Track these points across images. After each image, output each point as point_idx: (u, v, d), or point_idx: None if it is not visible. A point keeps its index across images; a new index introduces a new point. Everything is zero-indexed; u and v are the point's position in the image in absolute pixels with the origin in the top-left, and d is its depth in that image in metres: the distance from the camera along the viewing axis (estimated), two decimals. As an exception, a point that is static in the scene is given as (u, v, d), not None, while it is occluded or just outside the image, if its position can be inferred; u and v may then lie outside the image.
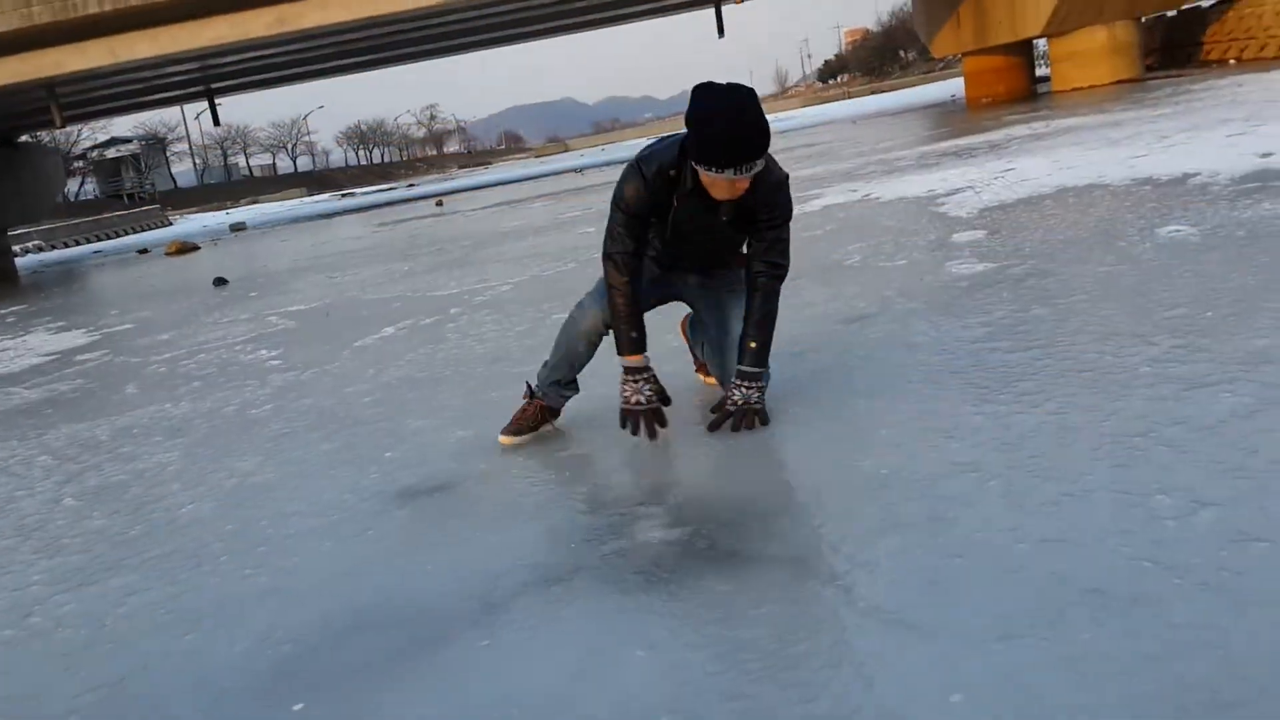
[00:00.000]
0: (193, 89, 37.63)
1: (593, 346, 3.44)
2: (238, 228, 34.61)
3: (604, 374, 3.52)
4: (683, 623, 2.07)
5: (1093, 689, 1.61)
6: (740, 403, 3.22)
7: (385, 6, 25.59)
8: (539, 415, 3.55)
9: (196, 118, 72.19)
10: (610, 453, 3.28)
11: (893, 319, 4.36)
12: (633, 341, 3.23)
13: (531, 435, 3.54)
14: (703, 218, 3.16)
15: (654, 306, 3.55)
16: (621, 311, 3.22)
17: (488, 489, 3.11)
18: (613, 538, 2.55)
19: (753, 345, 3.20)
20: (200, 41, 25.73)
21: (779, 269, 3.21)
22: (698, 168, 2.98)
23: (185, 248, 24.38)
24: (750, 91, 2.98)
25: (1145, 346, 3.30)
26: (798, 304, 4.98)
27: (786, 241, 3.23)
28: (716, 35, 37.18)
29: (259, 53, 30.49)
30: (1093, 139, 11.00)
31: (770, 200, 3.12)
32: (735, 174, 2.93)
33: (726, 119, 2.89)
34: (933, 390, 3.27)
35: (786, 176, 3.18)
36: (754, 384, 3.22)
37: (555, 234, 11.87)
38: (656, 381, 3.28)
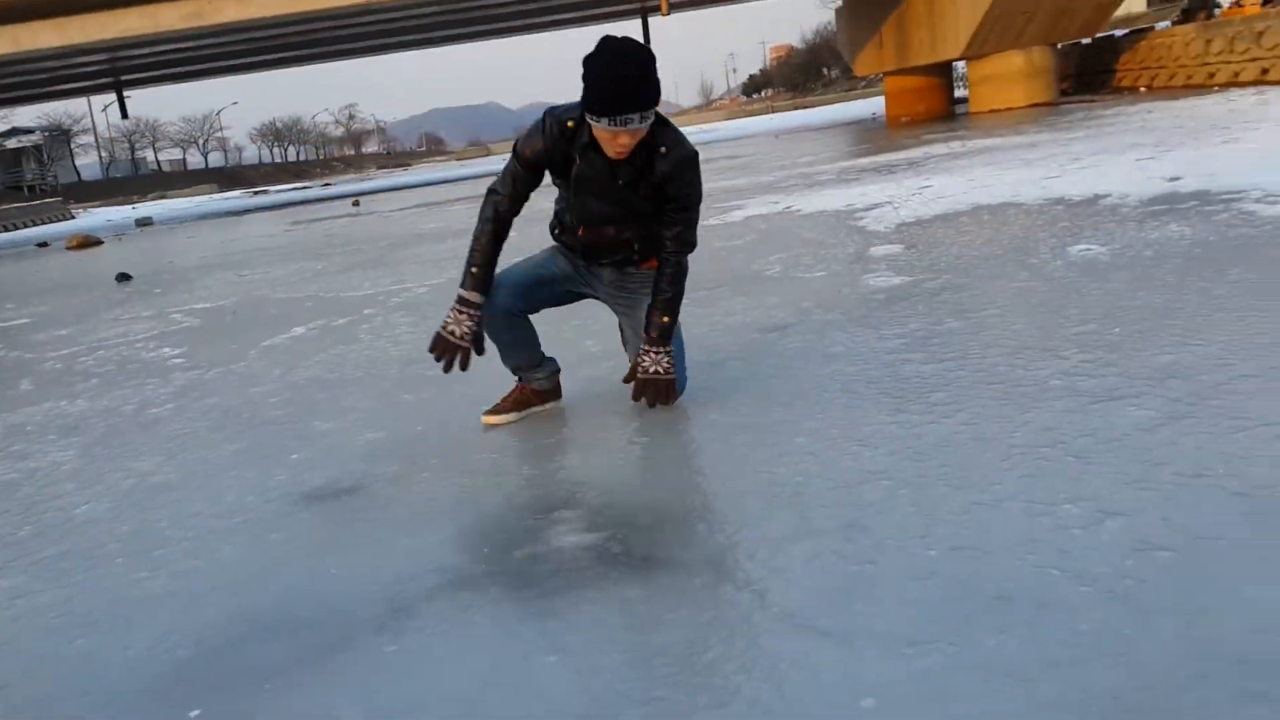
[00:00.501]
0: (101, 80, 36.68)
1: (511, 327, 3.46)
2: (144, 223, 33.66)
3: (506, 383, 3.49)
4: (595, 628, 2.05)
5: (1000, 695, 1.64)
6: (650, 369, 3.31)
7: (306, 4, 25.22)
8: (526, 397, 3.63)
9: (104, 109, 70.28)
10: (525, 457, 3.26)
11: (811, 329, 4.40)
12: (474, 277, 3.28)
13: (517, 415, 3.61)
14: (603, 180, 3.18)
15: (567, 302, 3.57)
16: (478, 246, 3.30)
17: (399, 492, 3.05)
18: (527, 542, 2.53)
19: (664, 320, 3.29)
20: (110, 33, 25.07)
21: (689, 246, 3.29)
22: (587, 117, 3.03)
23: (88, 242, 23.62)
24: (640, 48, 3.00)
25: (1055, 360, 3.38)
26: (717, 312, 5.01)
27: (695, 226, 3.30)
28: (642, 44, 37.32)
29: (172, 46, 29.87)
30: (1008, 159, 11.29)
31: (679, 175, 3.15)
32: (611, 125, 2.96)
33: (606, 65, 2.94)
34: (849, 400, 3.31)
35: (696, 154, 3.21)
36: (662, 349, 3.31)
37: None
38: (480, 328, 3.32)
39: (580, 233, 3.36)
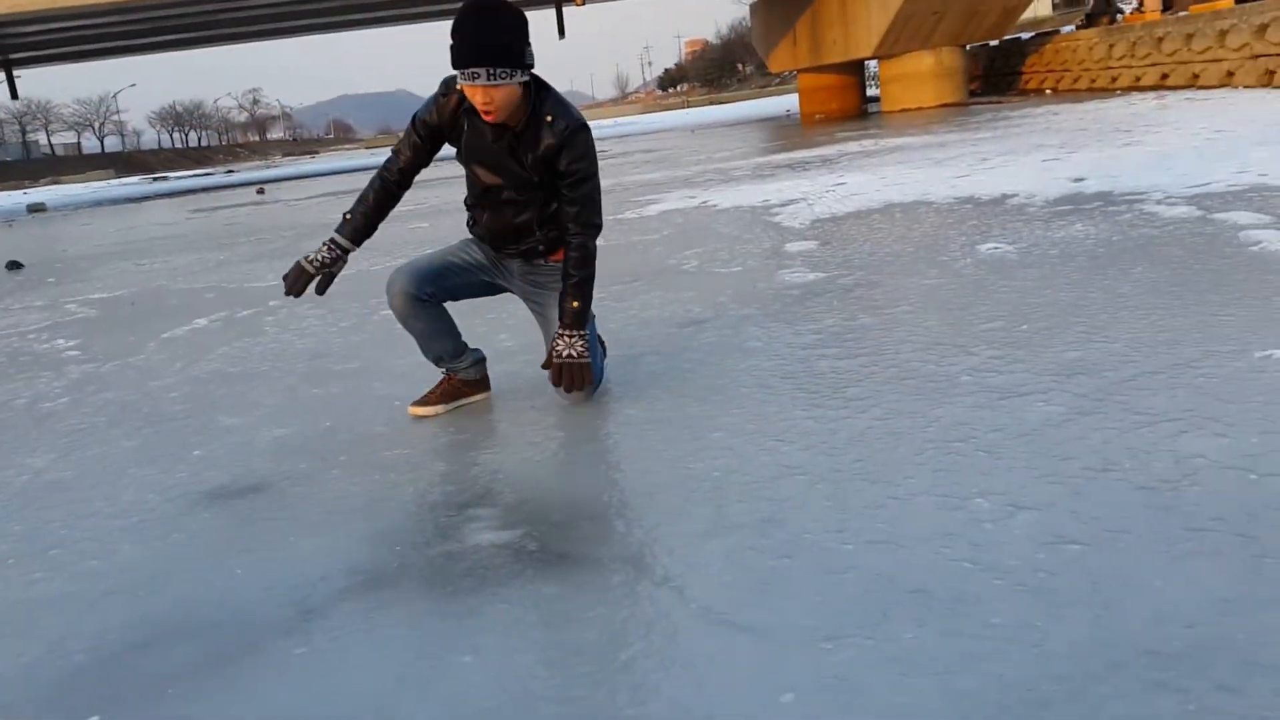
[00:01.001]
0: (-13, 57, 35.19)
1: (420, 314, 3.45)
2: (36, 209, 32.44)
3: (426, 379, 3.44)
4: (511, 627, 2.03)
5: (916, 688, 1.66)
6: (564, 353, 3.29)
7: (207, -18, 24.56)
8: (454, 389, 3.60)
9: (-9, 89, 67.41)
10: (439, 453, 3.21)
11: (727, 324, 4.43)
12: (348, 224, 3.40)
13: (445, 407, 3.58)
14: (486, 146, 3.20)
15: (485, 294, 3.55)
16: (361, 200, 3.40)
17: (306, 490, 2.99)
18: (440, 540, 2.49)
19: (574, 305, 3.28)
20: (-2, 8, 24.09)
21: (592, 228, 3.27)
22: None
23: (-26, 228, 22.70)
24: (500, 6, 3.02)
25: (965, 356, 3.45)
26: (634, 307, 5.01)
27: (596, 200, 3.27)
28: (557, 36, 37.23)
29: (64, 24, 28.78)
30: (918, 158, 11.51)
31: (568, 147, 3.14)
32: (462, 79, 3.01)
33: (459, 19, 2.98)
34: (764, 395, 3.33)
35: (585, 124, 3.20)
36: (576, 333, 3.29)
37: (385, 227, 11.56)
38: (332, 270, 3.40)
39: (485, 219, 3.38)
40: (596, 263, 3.34)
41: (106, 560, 2.63)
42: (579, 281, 3.28)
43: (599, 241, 3.35)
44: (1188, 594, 1.83)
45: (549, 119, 3.12)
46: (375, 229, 3.46)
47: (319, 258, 3.38)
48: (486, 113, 3.06)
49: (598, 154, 3.28)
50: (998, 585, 1.93)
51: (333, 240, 3.38)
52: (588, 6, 33.65)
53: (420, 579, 2.30)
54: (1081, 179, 7.58)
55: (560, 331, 3.31)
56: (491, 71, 2.96)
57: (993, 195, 7.47)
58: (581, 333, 3.31)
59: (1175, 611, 1.78)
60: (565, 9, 36.11)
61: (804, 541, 2.23)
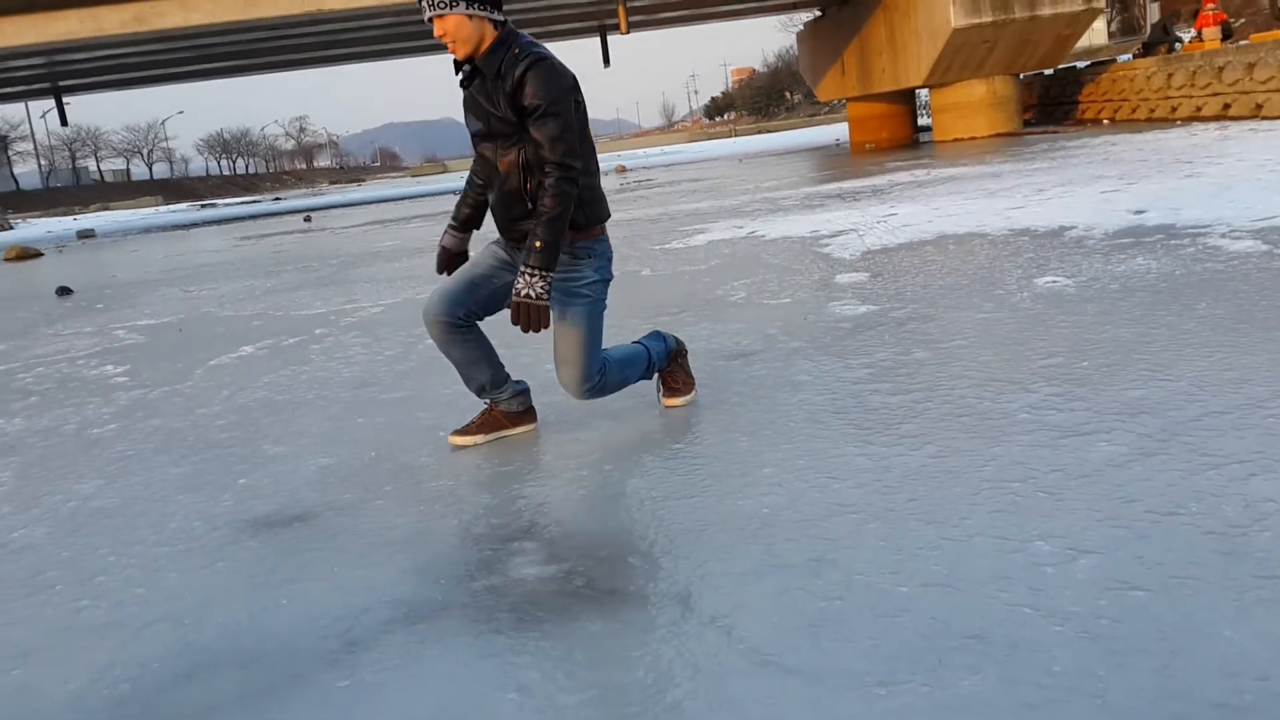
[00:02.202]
0: (39, 85, 36.08)
1: (457, 342, 3.48)
2: (86, 235, 33.16)
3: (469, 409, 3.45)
4: (556, 664, 2.03)
5: (974, 736, 1.63)
6: (523, 292, 3.20)
7: (252, 12, 24.98)
8: (495, 420, 3.65)
9: (43, 116, 69.09)
10: (483, 485, 3.22)
11: (776, 357, 4.42)
12: (454, 216, 3.65)
13: (485, 438, 3.62)
14: (472, 98, 3.35)
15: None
16: (461, 196, 3.64)
17: (351, 520, 3.01)
18: (484, 574, 2.50)
19: (538, 245, 3.19)
20: (48, 35, 24.65)
21: (562, 167, 3.19)
22: None
23: (26, 254, 23.19)
24: None
25: (1023, 393, 3.41)
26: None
27: (563, 138, 3.19)
28: (602, 65, 37.54)
29: (114, 51, 29.43)
30: (972, 189, 11.44)
31: (529, 80, 3.18)
32: (423, 9, 3.19)
33: None
34: (815, 430, 3.31)
35: (548, 58, 3.24)
36: (537, 271, 3.20)
37: (431, 256, 11.67)
38: (462, 246, 3.65)
39: (492, 200, 3.44)
40: (568, 210, 3.23)
41: (152, 588, 2.66)
42: (548, 220, 3.19)
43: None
44: (1259, 644, 1.79)
45: (515, 52, 3.21)
46: (478, 220, 3.65)
47: (452, 242, 3.64)
48: (451, 50, 3.24)
49: (572, 97, 3.23)
50: (1058, 632, 1.90)
51: (449, 225, 3.66)
52: (633, 34, 33.87)
53: (464, 613, 2.30)
54: (1142, 211, 7.49)
55: (523, 269, 3.22)
56: (432, 3, 3.16)
57: (1050, 227, 7.41)
58: (544, 272, 3.20)
59: (1245, 663, 1.74)
60: (610, 37, 36.39)
61: (856, 583, 2.20)
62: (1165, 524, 2.30)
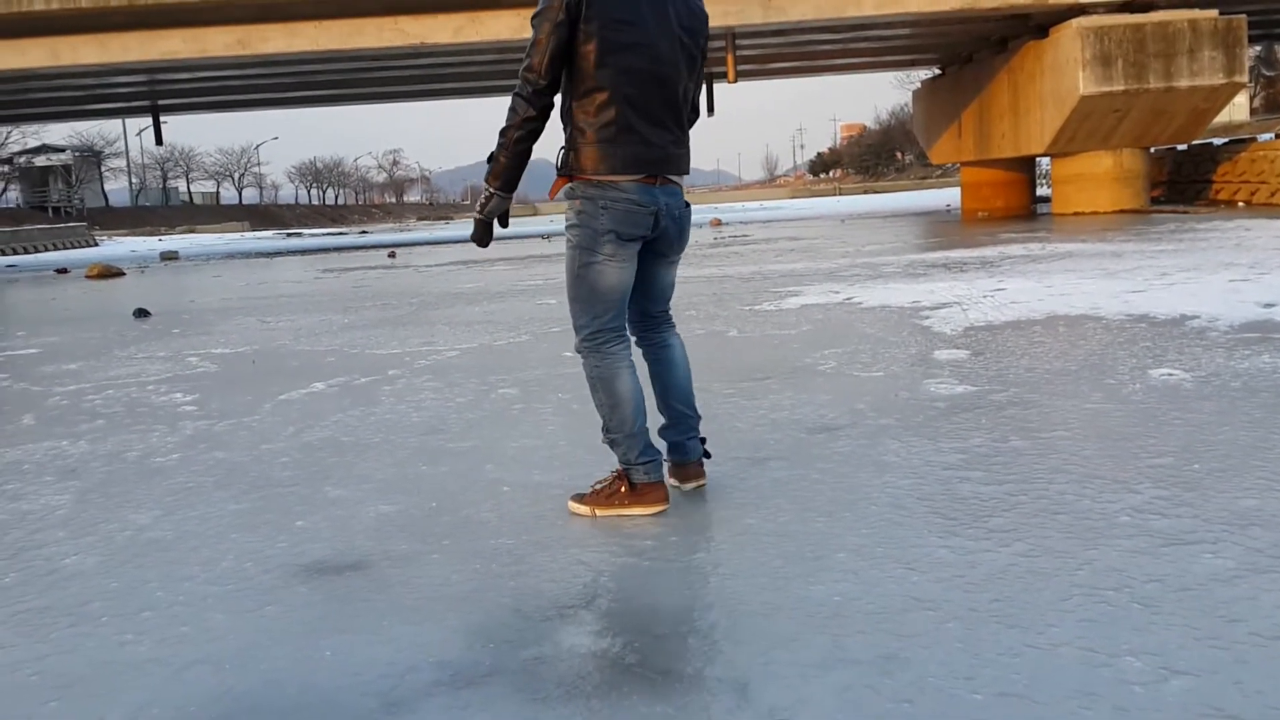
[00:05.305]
0: (137, 103, 37.61)
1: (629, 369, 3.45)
2: (169, 257, 34.40)
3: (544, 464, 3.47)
4: (602, 745, 2.03)
5: None
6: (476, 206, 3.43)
7: (354, 42, 25.81)
8: (617, 495, 3.45)
9: (138, 134, 72.11)
10: (543, 547, 3.24)
11: (863, 434, 4.39)
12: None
13: (592, 511, 3.46)
14: None
15: (647, 260, 3.50)
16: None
17: (406, 573, 3.05)
18: (536, 642, 2.51)
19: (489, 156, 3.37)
20: (151, 54, 25.74)
21: (521, 81, 3.32)
22: None
23: (108, 272, 24.15)
24: None
25: (1126, 494, 3.33)
26: (763, 406, 5.01)
27: (528, 52, 3.32)
28: (706, 113, 37.93)
29: (214, 73, 30.60)
30: (1090, 268, 11.27)
31: None
32: None
33: None
34: (898, 516, 3.28)
35: None
36: (484, 185, 3.39)
37: (513, 301, 11.90)
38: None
39: None
40: (521, 143, 3.31)
41: (197, 627, 2.72)
42: (499, 132, 3.33)
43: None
44: (1366, 793, 1.72)
45: None
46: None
47: (495, 210, 3.48)
48: None
49: (557, 14, 3.25)
50: (1143, 758, 1.85)
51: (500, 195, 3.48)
52: (740, 84, 34.24)
53: (511, 682, 2.31)
54: (1273, 304, 7.30)
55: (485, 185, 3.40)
56: None
57: (1170, 315, 7.26)
58: (487, 188, 3.38)
59: (1349, 812, 1.67)
60: (716, 85, 36.79)
61: (928, 685, 2.17)
62: (1270, 648, 2.23)
